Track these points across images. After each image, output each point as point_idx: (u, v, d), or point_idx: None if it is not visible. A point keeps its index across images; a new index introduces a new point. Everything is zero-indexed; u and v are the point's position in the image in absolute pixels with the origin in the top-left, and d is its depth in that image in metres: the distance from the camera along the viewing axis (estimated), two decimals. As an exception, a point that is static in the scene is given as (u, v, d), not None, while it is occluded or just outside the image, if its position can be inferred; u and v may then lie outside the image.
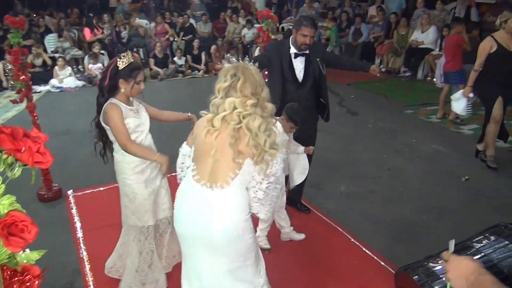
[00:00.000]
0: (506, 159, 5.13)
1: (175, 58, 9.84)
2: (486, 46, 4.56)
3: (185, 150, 2.26)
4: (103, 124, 2.66)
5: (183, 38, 10.94)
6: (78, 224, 3.90)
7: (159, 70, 9.44)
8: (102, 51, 9.86)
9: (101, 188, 4.56)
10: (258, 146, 1.96)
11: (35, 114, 4.17)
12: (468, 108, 4.92)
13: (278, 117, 3.30)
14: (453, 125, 6.29)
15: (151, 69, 9.59)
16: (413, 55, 8.98)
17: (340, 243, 3.60)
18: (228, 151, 1.98)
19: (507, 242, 1.73)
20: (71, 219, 3.99)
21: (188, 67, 9.89)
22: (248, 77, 2.00)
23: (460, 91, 4.96)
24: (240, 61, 2.12)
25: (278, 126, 3.31)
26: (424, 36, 8.83)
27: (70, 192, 4.46)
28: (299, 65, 3.56)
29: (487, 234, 1.85)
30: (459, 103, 5.02)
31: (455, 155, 5.29)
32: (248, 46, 11.19)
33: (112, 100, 2.62)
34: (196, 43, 10.06)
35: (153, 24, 11.45)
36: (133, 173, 2.72)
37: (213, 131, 2.00)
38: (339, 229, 3.76)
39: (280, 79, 3.55)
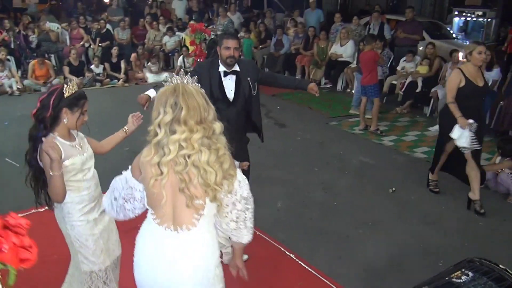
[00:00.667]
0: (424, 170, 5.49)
1: (92, 66, 9.27)
2: (456, 80, 4.35)
3: (131, 182, 1.95)
4: (41, 163, 2.33)
5: (100, 44, 10.38)
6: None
7: (75, 78, 8.82)
8: (8, 57, 9.00)
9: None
10: (209, 185, 1.75)
11: None
12: (473, 139, 4.27)
13: None
14: (375, 137, 6.60)
15: (65, 78, 8.93)
16: (333, 67, 9.33)
17: (283, 263, 3.57)
18: (182, 196, 1.78)
19: (485, 279, 1.79)
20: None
21: (106, 76, 9.37)
22: (191, 103, 1.74)
23: (456, 127, 4.29)
24: (175, 79, 1.83)
25: None
26: (343, 50, 9.22)
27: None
28: (229, 83, 3.44)
29: (463, 270, 1.90)
30: (463, 138, 4.32)
31: (380, 166, 5.55)
32: (170, 55, 10.93)
33: (49, 136, 2.29)
34: (114, 50, 9.58)
35: (64, 29, 10.74)
36: (82, 214, 2.45)
37: (160, 179, 1.76)
38: (281, 248, 3.74)
39: (210, 98, 3.42)
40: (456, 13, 12.45)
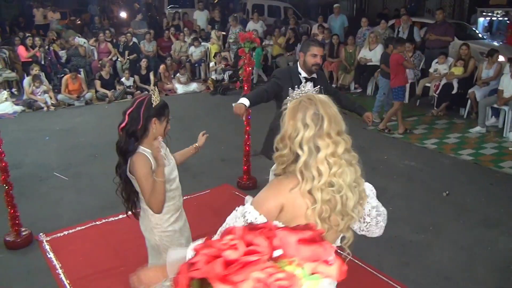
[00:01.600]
0: (473, 172, 5.40)
1: (123, 79, 9.34)
2: None
3: (260, 221, 1.55)
4: (129, 175, 2.33)
5: (128, 57, 10.48)
6: (62, 275, 3.45)
7: (107, 92, 8.91)
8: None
9: (77, 229, 4.12)
10: (347, 213, 1.56)
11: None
12: None
13: None
14: (416, 140, 6.53)
15: (97, 91, 9.02)
16: (363, 72, 9.29)
17: (354, 270, 3.50)
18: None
19: None
20: (52, 268, 3.53)
21: (136, 88, 9.43)
22: (330, 113, 1.54)
23: None
24: (300, 91, 1.65)
25: None
26: (372, 54, 9.17)
27: (42, 236, 3.97)
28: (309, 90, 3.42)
29: None
30: None
31: (427, 170, 5.46)
32: (196, 65, 10.99)
33: (139, 148, 2.29)
34: (143, 62, 9.64)
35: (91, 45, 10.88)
36: (169, 224, 2.45)
37: (314, 207, 1.52)
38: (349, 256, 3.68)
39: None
40: (481, 13, 12.31)
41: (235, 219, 1.56)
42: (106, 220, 4.28)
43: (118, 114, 4.03)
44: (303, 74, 3.45)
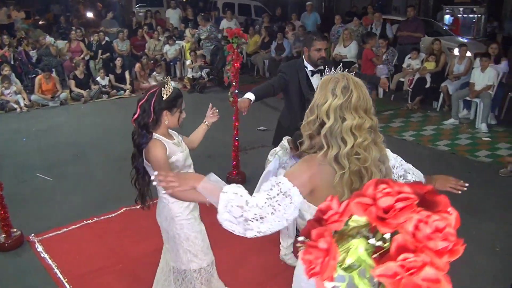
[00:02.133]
0: (450, 162, 5.63)
1: (98, 78, 9.18)
2: None
3: (297, 199, 1.58)
4: (145, 163, 2.34)
5: (101, 56, 10.30)
6: (59, 274, 3.39)
7: (82, 91, 8.74)
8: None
9: (69, 228, 4.05)
10: None
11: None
12: None
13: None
14: (395, 132, 6.73)
15: (71, 91, 8.83)
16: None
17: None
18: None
19: None
20: (48, 268, 3.46)
21: (111, 87, 9.29)
22: (360, 91, 1.59)
23: None
24: (337, 71, 1.67)
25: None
26: (347, 51, 9.36)
27: (32, 237, 3.89)
28: (316, 82, 3.46)
29: None
30: None
31: (409, 160, 5.63)
32: (171, 63, 10.91)
33: (154, 135, 2.33)
34: (118, 61, 9.50)
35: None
36: (189, 212, 2.46)
37: (342, 174, 1.56)
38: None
39: (298, 99, 3.48)
40: (447, 10, 12.76)
41: (271, 186, 1.59)
42: (98, 218, 4.23)
43: (95, 113, 4.03)
44: (310, 67, 3.50)
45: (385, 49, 8.64)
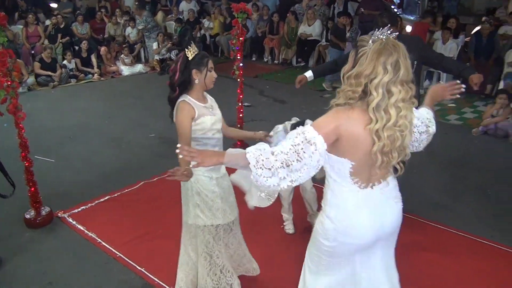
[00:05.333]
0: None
1: (65, 62, 8.90)
2: None
3: (321, 147, 1.69)
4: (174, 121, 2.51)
5: (61, 40, 9.94)
6: (104, 243, 3.49)
7: (53, 74, 8.43)
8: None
9: (92, 204, 4.09)
10: (404, 149, 1.77)
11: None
12: None
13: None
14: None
15: (38, 76, 8.51)
16: (304, 46, 9.84)
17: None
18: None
19: None
20: (91, 239, 3.54)
21: (78, 71, 9.05)
22: (407, 64, 1.68)
23: None
24: (382, 32, 1.69)
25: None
26: (311, 29, 9.76)
27: (61, 213, 3.91)
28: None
29: None
30: None
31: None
32: (135, 46, 10.73)
33: (185, 97, 2.48)
34: (84, 44, 9.26)
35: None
36: (206, 170, 2.56)
37: (381, 144, 1.70)
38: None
39: None
40: (394, -10, 13.47)
41: (296, 135, 1.69)
42: (121, 192, 4.31)
43: (71, 98, 4.07)
44: None
45: (349, 26, 9.10)
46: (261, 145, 1.71)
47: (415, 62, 3.13)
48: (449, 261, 3.27)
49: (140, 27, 10.29)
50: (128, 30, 10.65)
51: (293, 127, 3.11)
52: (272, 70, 9.81)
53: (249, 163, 1.66)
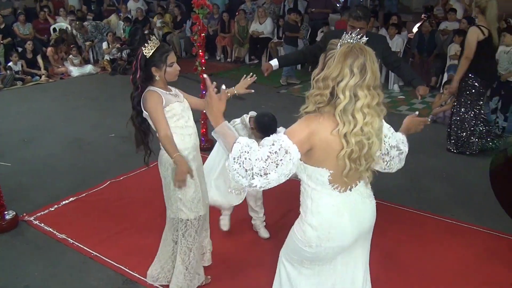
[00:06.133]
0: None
1: (10, 64, 8.47)
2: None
3: (295, 156, 1.69)
4: (144, 112, 2.50)
5: (2, 42, 9.44)
6: (77, 243, 3.40)
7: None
8: None
9: (57, 206, 3.96)
10: (371, 157, 1.78)
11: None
12: None
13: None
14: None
15: (-21, 79, 8.05)
16: (256, 44, 9.97)
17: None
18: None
19: None
20: (62, 240, 3.44)
21: (24, 73, 8.65)
22: (374, 68, 1.68)
23: None
24: (350, 37, 1.71)
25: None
26: (263, 27, 9.89)
27: (25, 216, 3.76)
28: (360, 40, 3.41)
29: None
30: None
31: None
32: (82, 47, 10.41)
33: (150, 87, 2.51)
34: (29, 45, 8.86)
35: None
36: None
37: (349, 150, 1.71)
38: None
39: None
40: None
41: (273, 142, 1.67)
42: (88, 192, 4.20)
43: (18, 101, 3.94)
44: None
45: (300, 23, 9.33)
46: (254, 144, 1.69)
47: (379, 60, 3.24)
48: (411, 239, 3.49)
49: (87, 44, 10.06)
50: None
51: (257, 122, 3.15)
52: (225, 68, 9.86)
53: (232, 152, 1.66)
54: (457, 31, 7.42)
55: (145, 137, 2.64)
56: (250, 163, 1.63)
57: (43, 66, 8.91)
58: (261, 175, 1.63)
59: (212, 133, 1.75)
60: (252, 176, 1.64)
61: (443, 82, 6.99)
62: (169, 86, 2.62)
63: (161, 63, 2.47)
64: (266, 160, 1.63)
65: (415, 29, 9.64)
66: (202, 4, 4.66)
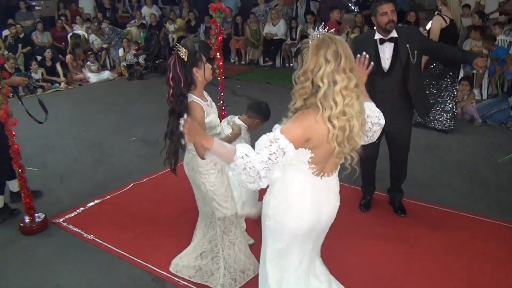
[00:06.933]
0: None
1: (31, 72, 8.69)
2: None
3: (291, 154, 1.82)
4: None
5: (22, 50, 9.68)
6: (105, 243, 3.50)
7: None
8: None
9: (83, 208, 4.08)
10: (352, 138, 1.86)
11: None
12: None
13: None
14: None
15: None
16: (270, 46, 10.03)
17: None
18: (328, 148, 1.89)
19: None
20: (90, 241, 3.55)
21: (44, 81, 8.85)
22: (347, 51, 1.79)
23: None
24: (319, 32, 1.83)
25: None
26: (276, 29, 9.97)
27: (54, 219, 3.88)
28: (386, 52, 3.27)
29: None
30: None
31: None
32: (99, 53, 10.60)
33: (192, 97, 2.49)
34: (48, 53, 9.08)
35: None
36: (213, 164, 2.63)
37: (335, 132, 1.80)
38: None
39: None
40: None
41: (270, 143, 1.79)
42: (112, 194, 4.31)
43: (39, 108, 4.04)
44: (378, 36, 3.28)
45: (313, 24, 9.38)
46: (250, 151, 1.81)
47: (415, 52, 3.22)
48: (435, 233, 3.51)
49: (105, 46, 10.25)
50: (92, 37, 10.52)
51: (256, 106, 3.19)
52: (240, 70, 9.95)
53: (236, 166, 1.79)
54: (473, 27, 7.40)
55: (178, 150, 2.58)
56: (255, 169, 1.78)
57: (62, 74, 9.11)
58: (265, 177, 1.80)
59: (208, 156, 1.97)
60: (260, 178, 1.80)
61: (460, 78, 6.96)
62: (204, 95, 2.63)
63: (199, 61, 2.48)
64: (267, 161, 1.77)
65: (428, 26, 9.63)
66: (218, 8, 4.73)
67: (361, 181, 3.87)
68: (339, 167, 2.06)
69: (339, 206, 2.15)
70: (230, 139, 2.79)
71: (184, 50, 2.48)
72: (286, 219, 2.01)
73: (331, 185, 2.05)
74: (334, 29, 1.94)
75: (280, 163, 1.80)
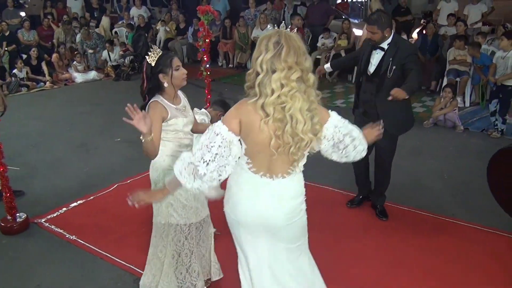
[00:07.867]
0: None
1: (15, 71, 8.59)
2: None
3: (229, 136, 1.82)
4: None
5: (6, 48, 9.57)
6: (88, 244, 3.48)
7: (3, 82, 8.12)
8: None
9: (66, 208, 4.06)
10: (296, 134, 1.80)
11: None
12: None
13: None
14: (328, 101, 7.56)
15: (-16, 85, 8.15)
16: (258, 50, 10.07)
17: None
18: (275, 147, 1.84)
19: None
20: (73, 242, 3.52)
21: (29, 79, 8.76)
22: (292, 44, 1.76)
23: None
24: (280, 28, 1.85)
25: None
26: (264, 33, 9.98)
27: (35, 218, 3.85)
28: (375, 58, 3.46)
29: None
30: None
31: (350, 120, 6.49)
32: (85, 53, 10.52)
33: (158, 97, 2.48)
34: (33, 52, 8.98)
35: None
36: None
37: (267, 120, 1.78)
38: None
39: (358, 69, 3.74)
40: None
41: (213, 134, 1.82)
42: (96, 195, 4.29)
43: (24, 107, 4.04)
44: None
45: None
46: (185, 155, 1.92)
47: (393, 68, 3.33)
48: (416, 237, 3.57)
49: (90, 51, 10.18)
50: (78, 37, 10.44)
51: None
52: (228, 73, 9.97)
53: (184, 182, 1.89)
54: (456, 36, 7.53)
55: None
56: (192, 168, 1.86)
57: (48, 73, 9.03)
58: (219, 175, 1.86)
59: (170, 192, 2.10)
60: (213, 180, 1.87)
61: (443, 85, 7.08)
62: (179, 96, 2.63)
63: (167, 68, 2.47)
64: (214, 159, 1.82)
65: (414, 34, 9.79)
66: (207, 11, 4.76)
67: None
68: (299, 170, 2.00)
69: (306, 210, 2.09)
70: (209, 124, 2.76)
71: (155, 54, 2.48)
72: (227, 207, 2.10)
73: (288, 187, 1.99)
74: (296, 29, 1.94)
75: (233, 154, 1.85)
